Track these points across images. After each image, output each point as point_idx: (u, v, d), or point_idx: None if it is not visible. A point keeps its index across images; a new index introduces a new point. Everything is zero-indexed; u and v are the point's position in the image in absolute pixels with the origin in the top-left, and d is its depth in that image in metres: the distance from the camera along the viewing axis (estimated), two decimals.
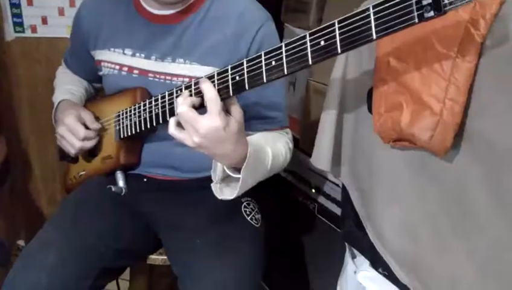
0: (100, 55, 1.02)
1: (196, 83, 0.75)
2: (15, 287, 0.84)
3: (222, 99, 0.72)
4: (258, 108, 0.94)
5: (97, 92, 1.22)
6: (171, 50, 0.95)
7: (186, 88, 0.78)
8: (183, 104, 0.72)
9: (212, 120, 0.70)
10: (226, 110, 0.73)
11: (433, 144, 0.64)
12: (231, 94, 0.72)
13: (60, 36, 1.53)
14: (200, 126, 0.70)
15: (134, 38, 0.98)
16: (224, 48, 0.92)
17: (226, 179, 0.83)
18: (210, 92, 0.71)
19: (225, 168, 0.79)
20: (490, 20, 0.57)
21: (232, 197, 0.81)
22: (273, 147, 0.88)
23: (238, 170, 0.78)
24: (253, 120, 0.94)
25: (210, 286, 0.84)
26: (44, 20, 1.53)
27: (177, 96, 0.78)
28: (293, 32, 1.36)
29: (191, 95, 0.75)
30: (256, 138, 0.88)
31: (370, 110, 0.76)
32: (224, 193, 0.82)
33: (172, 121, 0.76)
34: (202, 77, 0.74)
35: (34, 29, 1.54)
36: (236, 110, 0.73)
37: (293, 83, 1.36)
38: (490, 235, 0.62)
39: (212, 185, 0.83)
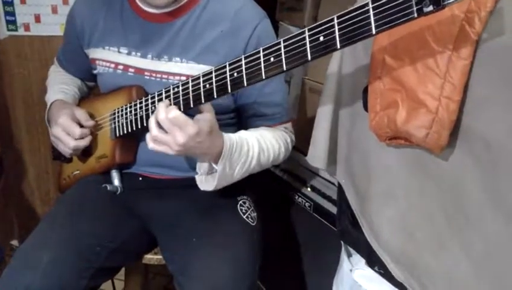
0: (95, 53, 1.01)
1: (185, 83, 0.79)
2: (9, 288, 0.83)
3: (218, 96, 0.75)
4: (257, 106, 0.96)
5: (91, 90, 1.21)
6: (167, 49, 0.94)
7: (183, 84, 0.78)
8: (174, 108, 0.78)
9: (185, 131, 0.77)
10: (199, 112, 0.80)
11: (428, 141, 0.64)
12: (229, 91, 0.72)
13: (53, 34, 1.52)
14: (179, 137, 0.77)
15: (130, 36, 0.97)
16: (220, 46, 0.92)
17: (214, 173, 0.88)
18: (162, 114, 0.77)
19: (212, 162, 0.86)
20: (485, 18, 0.57)
21: (211, 189, 0.88)
22: (261, 141, 0.92)
23: None
24: (254, 117, 0.98)
25: (206, 285, 0.84)
26: (37, 18, 1.52)
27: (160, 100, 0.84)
28: (288, 30, 1.36)
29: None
30: (244, 133, 0.93)
31: (366, 108, 0.76)
32: (209, 184, 0.89)
33: (153, 125, 0.79)
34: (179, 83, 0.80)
35: (27, 27, 1.52)
36: (206, 110, 0.80)
37: (289, 82, 1.36)
38: (486, 232, 0.62)
39: (196, 177, 0.90)
